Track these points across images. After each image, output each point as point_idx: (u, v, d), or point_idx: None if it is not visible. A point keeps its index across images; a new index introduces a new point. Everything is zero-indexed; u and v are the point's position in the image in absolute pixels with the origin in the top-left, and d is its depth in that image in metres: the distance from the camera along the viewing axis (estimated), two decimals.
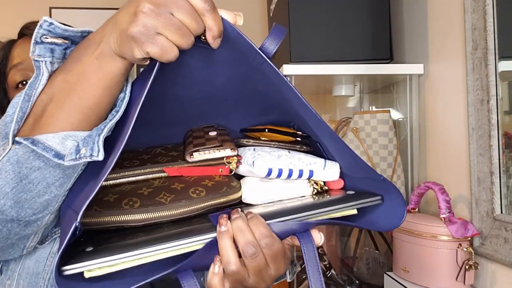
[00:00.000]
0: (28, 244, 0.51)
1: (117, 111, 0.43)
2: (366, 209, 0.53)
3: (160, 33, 0.38)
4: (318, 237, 0.48)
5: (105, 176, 0.37)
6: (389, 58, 1.21)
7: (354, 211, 0.50)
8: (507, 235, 0.88)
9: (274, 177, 0.54)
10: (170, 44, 0.39)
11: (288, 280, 0.64)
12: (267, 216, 0.46)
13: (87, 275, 0.39)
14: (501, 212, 0.91)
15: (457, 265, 0.93)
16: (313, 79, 1.27)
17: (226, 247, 0.43)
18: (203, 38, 0.41)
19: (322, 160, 0.55)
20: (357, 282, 1.27)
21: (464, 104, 1.03)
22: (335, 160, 0.56)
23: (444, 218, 0.96)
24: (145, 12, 0.38)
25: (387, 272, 1.10)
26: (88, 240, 0.43)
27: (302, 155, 0.56)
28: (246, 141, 0.59)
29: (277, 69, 0.45)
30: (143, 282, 0.41)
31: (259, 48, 0.44)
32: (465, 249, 0.92)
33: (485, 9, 0.92)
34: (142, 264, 0.41)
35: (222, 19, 0.42)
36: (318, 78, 1.25)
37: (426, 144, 1.22)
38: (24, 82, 0.69)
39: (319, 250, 1.27)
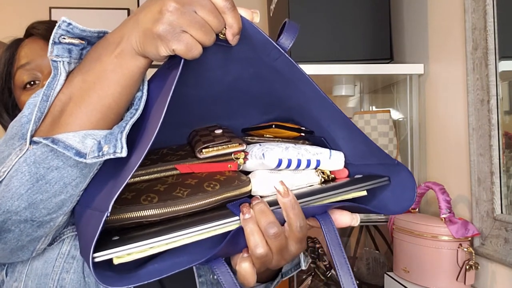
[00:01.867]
0: (38, 247, 0.50)
1: (136, 109, 0.44)
2: (376, 193, 0.56)
3: (185, 30, 0.39)
4: (349, 218, 0.50)
5: (132, 173, 0.38)
6: (389, 58, 1.21)
7: (364, 193, 0.52)
8: (507, 235, 0.88)
9: (284, 168, 0.55)
10: (195, 41, 0.40)
11: (303, 268, 0.67)
12: None
13: (116, 261, 0.40)
14: (501, 212, 0.91)
15: (457, 265, 0.93)
16: (313, 79, 1.26)
17: (252, 231, 0.45)
18: (222, 35, 0.43)
19: (328, 150, 0.57)
20: (357, 282, 1.27)
21: (464, 104, 1.03)
22: (341, 150, 0.58)
23: (444, 218, 0.96)
24: (171, 11, 0.39)
25: (387, 272, 1.10)
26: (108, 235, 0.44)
27: (308, 146, 0.57)
28: (251, 139, 0.60)
29: (293, 62, 0.46)
30: (177, 270, 0.43)
31: (276, 43, 0.46)
32: (465, 249, 0.92)
33: (485, 9, 0.92)
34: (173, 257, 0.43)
35: (241, 16, 0.43)
36: (318, 78, 1.25)
37: (426, 144, 1.22)
38: (32, 83, 0.68)
39: (319, 250, 1.27)
